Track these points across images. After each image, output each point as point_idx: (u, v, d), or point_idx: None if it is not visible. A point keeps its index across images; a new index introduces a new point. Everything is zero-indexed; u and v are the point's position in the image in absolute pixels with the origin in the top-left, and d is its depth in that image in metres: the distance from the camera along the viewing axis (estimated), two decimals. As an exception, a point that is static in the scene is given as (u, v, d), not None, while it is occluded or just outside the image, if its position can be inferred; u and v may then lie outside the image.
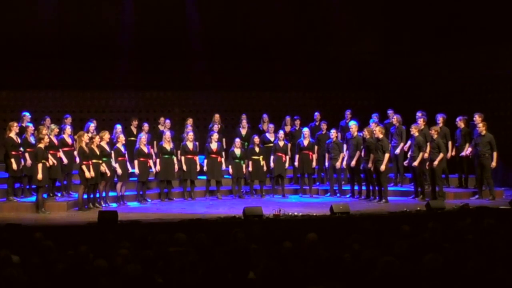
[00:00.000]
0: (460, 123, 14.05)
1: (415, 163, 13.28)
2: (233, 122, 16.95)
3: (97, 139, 12.85)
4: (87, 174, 12.28)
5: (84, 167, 12.31)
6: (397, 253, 6.51)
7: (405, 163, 13.94)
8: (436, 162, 13.18)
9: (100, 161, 12.71)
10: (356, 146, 13.84)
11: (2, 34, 17.13)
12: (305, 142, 14.68)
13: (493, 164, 13.26)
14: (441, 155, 13.30)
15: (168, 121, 15.19)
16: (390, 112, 15.08)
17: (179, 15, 18.55)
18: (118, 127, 14.24)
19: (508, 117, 15.67)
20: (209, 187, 14.62)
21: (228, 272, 5.78)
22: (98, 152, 12.70)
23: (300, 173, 14.84)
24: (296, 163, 14.77)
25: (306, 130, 14.87)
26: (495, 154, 13.25)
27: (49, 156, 12.48)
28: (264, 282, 5.40)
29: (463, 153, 13.87)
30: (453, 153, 14.17)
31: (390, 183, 14.47)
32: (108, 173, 12.80)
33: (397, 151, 14.30)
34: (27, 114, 14.06)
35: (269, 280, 5.35)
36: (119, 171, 13.18)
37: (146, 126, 14.78)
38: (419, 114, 14.13)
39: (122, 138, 13.57)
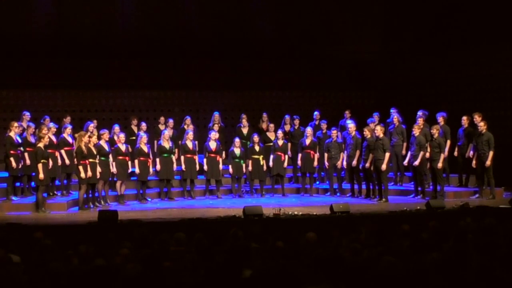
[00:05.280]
0: (465, 121, 14.05)
1: (416, 162, 13.27)
2: (233, 122, 16.96)
3: (94, 138, 12.86)
4: (83, 174, 12.28)
5: (80, 167, 12.31)
6: (397, 253, 6.50)
7: (405, 162, 13.93)
8: (440, 164, 13.18)
9: (97, 161, 12.71)
10: (356, 146, 13.85)
11: (2, 34, 17.13)
12: (307, 141, 14.69)
13: (488, 163, 13.26)
14: (443, 155, 13.30)
15: (171, 120, 15.19)
16: (392, 110, 15.06)
17: (179, 14, 18.55)
18: (116, 128, 14.28)
19: (508, 117, 15.68)
20: (209, 186, 14.63)
21: (227, 272, 5.78)
22: (95, 152, 12.70)
23: (302, 172, 14.85)
24: (299, 162, 14.79)
25: (308, 129, 14.88)
26: (491, 153, 13.26)
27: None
28: (264, 282, 5.40)
29: (467, 154, 13.84)
30: (455, 153, 14.18)
31: (390, 182, 14.47)
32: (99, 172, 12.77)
33: (403, 151, 14.32)
34: (27, 113, 14.09)
35: (268, 279, 5.34)
36: (113, 169, 13.18)
37: (144, 126, 14.83)
38: (419, 113, 14.14)
39: (121, 137, 13.58)
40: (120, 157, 13.39)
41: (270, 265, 5.67)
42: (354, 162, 13.84)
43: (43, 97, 17.17)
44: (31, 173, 12.53)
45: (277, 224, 10.76)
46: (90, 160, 12.52)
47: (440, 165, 13.21)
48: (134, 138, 14.77)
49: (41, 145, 12.15)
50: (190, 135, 14.33)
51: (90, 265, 5.99)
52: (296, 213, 11.45)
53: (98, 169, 12.68)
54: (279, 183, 14.91)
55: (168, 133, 14.29)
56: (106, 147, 13.10)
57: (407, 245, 7.00)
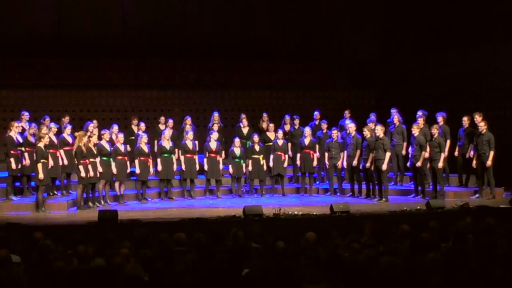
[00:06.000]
0: (466, 121, 14.04)
1: (419, 163, 13.25)
2: (233, 122, 16.96)
3: (94, 138, 12.85)
4: (83, 174, 12.29)
5: (80, 166, 12.31)
6: (397, 253, 6.50)
7: (408, 164, 13.88)
8: (440, 164, 13.17)
9: (97, 160, 12.70)
10: (356, 146, 13.84)
11: (2, 33, 17.15)
12: (306, 141, 14.68)
13: (488, 163, 13.26)
14: (443, 154, 13.29)
15: (171, 121, 15.18)
16: (393, 110, 15.06)
17: (179, 14, 18.58)
18: (115, 127, 14.27)
19: (508, 117, 15.67)
20: (209, 186, 14.63)
21: (227, 272, 5.78)
22: (95, 151, 12.70)
23: (302, 172, 14.85)
24: (298, 162, 14.79)
25: (307, 129, 14.88)
26: (491, 153, 13.26)
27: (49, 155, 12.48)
28: (263, 282, 5.40)
29: (468, 154, 13.83)
30: (456, 153, 14.18)
31: (390, 182, 14.46)
32: (101, 171, 12.77)
33: (404, 152, 14.34)
34: (26, 113, 14.08)
35: (268, 279, 5.35)
36: (113, 170, 13.18)
37: (142, 126, 14.84)
38: (419, 113, 14.14)
39: (120, 137, 13.57)
40: (119, 157, 13.38)
41: (270, 265, 5.67)
42: (355, 162, 13.84)
43: (43, 97, 17.16)
44: (31, 173, 12.52)
45: (277, 224, 10.76)
46: (91, 159, 12.51)
47: (440, 165, 13.20)
48: (134, 138, 14.77)
49: (41, 145, 12.14)
50: (190, 135, 14.33)
51: (90, 265, 5.99)
52: (296, 213, 11.46)
53: (99, 168, 12.68)
54: (279, 183, 14.91)
55: (168, 133, 14.28)
56: (107, 146, 13.10)
57: (407, 245, 7.00)
